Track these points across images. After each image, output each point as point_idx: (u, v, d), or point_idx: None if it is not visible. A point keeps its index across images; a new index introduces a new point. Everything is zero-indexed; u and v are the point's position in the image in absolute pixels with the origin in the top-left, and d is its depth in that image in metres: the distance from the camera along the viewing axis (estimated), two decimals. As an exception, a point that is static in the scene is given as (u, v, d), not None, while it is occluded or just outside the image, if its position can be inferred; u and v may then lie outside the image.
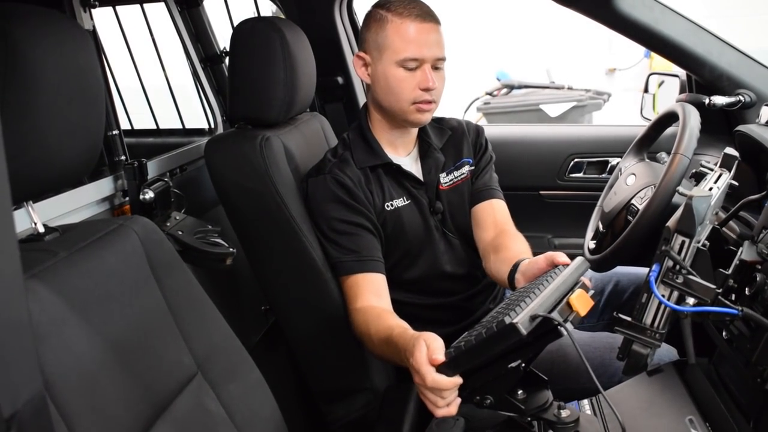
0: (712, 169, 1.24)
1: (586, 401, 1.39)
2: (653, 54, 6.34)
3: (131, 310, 1.01)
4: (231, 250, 1.50)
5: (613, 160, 2.26)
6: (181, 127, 2.41)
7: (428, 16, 1.51)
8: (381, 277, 1.52)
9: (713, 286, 1.02)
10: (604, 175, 2.27)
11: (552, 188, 2.33)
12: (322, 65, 1.72)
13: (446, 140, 1.71)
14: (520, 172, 2.29)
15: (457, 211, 1.70)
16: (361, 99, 2.32)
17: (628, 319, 1.10)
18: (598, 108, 5.45)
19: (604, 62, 6.42)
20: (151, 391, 0.99)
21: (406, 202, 1.61)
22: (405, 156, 1.66)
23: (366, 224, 1.53)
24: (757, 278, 1.13)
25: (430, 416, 1.29)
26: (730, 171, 1.21)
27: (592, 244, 1.75)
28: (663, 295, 1.04)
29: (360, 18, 2.33)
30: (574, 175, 2.31)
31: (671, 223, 1.05)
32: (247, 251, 1.62)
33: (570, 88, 5.57)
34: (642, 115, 2.36)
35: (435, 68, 1.53)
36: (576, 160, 2.30)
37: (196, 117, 2.30)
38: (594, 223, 1.82)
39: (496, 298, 1.79)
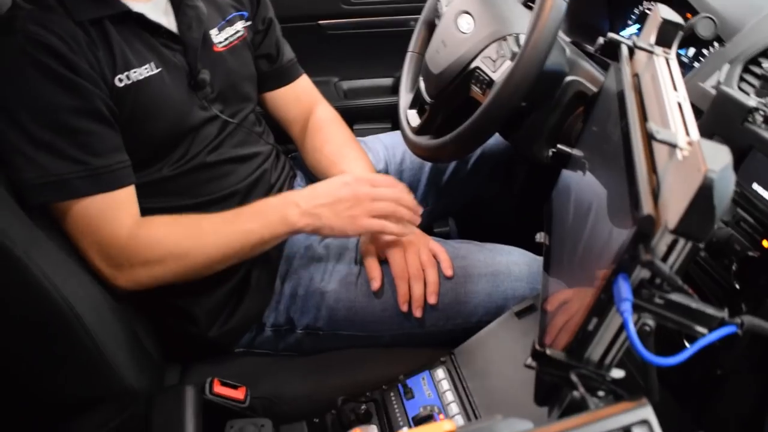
0: (650, 51, 0.76)
1: (440, 370, 1.01)
2: None
3: None
4: None
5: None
6: None
7: None
8: (134, 190, 1.07)
9: (720, 314, 0.59)
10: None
11: (334, 16, 1.73)
12: None
13: None
14: (293, -4, 1.66)
15: (235, 83, 1.21)
16: None
17: (557, 354, 0.65)
18: None
19: None
20: None
21: (155, 71, 1.08)
22: (147, 2, 1.07)
23: (100, 109, 1.01)
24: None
25: (218, 418, 0.97)
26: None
27: (413, 117, 1.25)
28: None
29: None
30: (361, -4, 1.72)
31: (649, 209, 0.58)
32: None
33: None
34: None
35: None
36: (362, -25, 1.70)
37: None
38: (410, 82, 1.31)
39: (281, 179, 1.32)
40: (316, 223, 1.08)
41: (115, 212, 1.03)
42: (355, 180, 1.13)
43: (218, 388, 1.02)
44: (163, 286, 1.08)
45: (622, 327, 0.62)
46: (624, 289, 0.58)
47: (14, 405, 1.05)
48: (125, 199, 1.04)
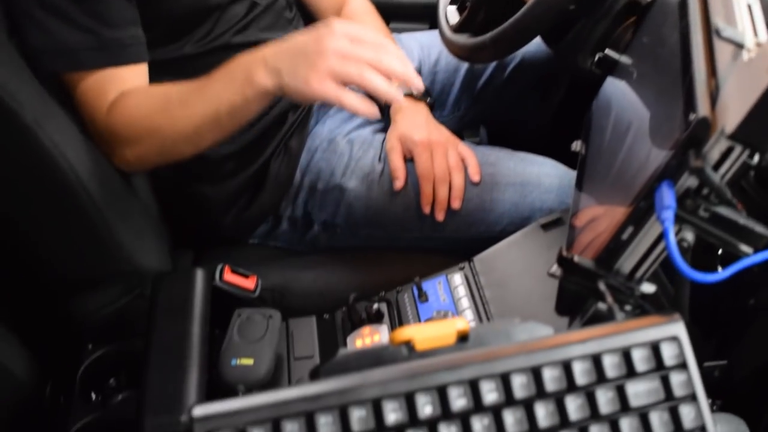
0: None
1: (458, 276, 0.97)
2: None
3: None
4: None
5: None
6: None
7: None
8: (144, 69, 1.00)
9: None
10: None
11: None
12: None
13: None
14: None
15: None
16: None
17: (585, 262, 0.62)
18: None
19: None
20: None
21: None
22: None
23: None
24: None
25: (225, 306, 0.93)
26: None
27: (453, 14, 1.18)
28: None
29: None
30: None
31: (705, 111, 0.52)
32: None
33: None
34: None
35: None
36: None
37: None
38: (452, -23, 1.24)
39: None
40: (278, 81, 0.86)
41: (113, 88, 0.96)
42: (330, 31, 0.85)
43: (228, 276, 0.99)
44: (178, 170, 1.04)
45: (660, 238, 0.58)
46: (668, 196, 0.53)
47: (19, 281, 1.04)
48: (132, 76, 0.97)
